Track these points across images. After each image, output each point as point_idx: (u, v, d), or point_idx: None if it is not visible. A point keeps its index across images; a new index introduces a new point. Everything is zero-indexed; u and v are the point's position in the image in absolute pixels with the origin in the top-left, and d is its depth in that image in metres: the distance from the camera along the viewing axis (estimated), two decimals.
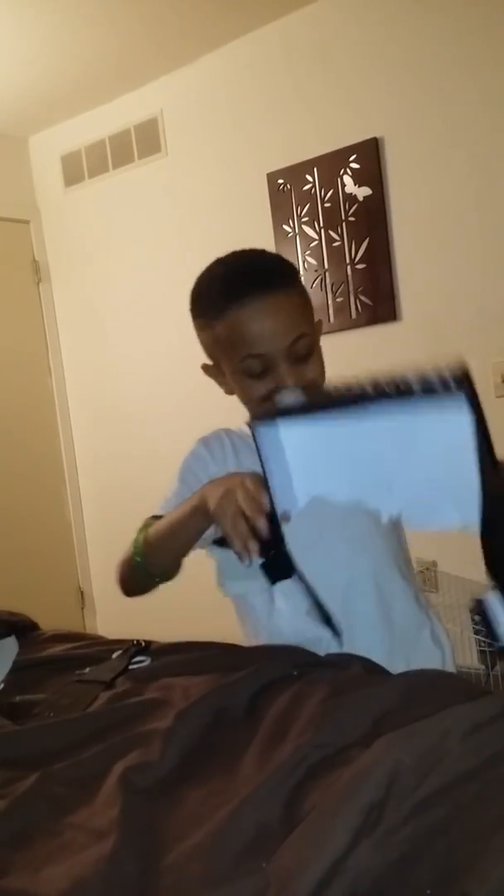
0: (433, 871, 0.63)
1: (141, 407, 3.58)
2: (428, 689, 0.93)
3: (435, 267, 2.77)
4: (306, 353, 1.11)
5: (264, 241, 3.02)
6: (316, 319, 1.20)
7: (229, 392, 1.20)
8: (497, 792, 0.69)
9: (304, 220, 3.02)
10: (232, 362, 1.14)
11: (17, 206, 3.83)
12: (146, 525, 1.19)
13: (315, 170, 2.98)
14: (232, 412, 1.23)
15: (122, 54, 3.13)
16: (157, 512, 1.22)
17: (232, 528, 1.00)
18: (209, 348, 1.18)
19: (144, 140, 3.46)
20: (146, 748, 0.89)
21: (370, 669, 1.07)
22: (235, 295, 1.10)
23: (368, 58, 2.83)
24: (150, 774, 0.84)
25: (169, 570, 1.20)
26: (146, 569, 1.17)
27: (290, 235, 3.05)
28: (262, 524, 0.99)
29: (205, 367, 1.22)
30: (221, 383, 1.21)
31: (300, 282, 1.19)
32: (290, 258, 3.09)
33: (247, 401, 1.17)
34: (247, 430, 1.14)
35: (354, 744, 0.83)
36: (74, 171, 3.71)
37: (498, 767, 0.72)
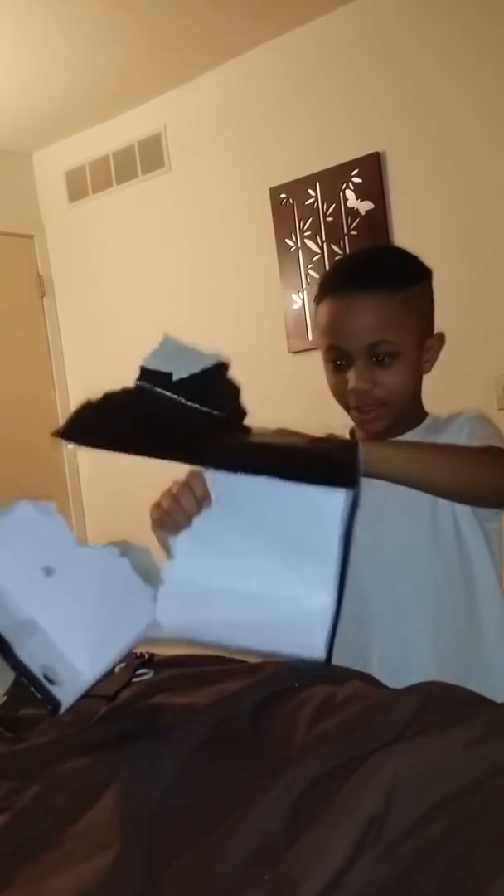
0: (436, 884, 0.62)
1: None
2: (437, 703, 0.92)
3: (436, 281, 2.77)
4: (386, 359, 1.14)
5: (267, 255, 3.04)
6: (435, 332, 1.24)
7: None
8: (501, 803, 0.69)
9: (307, 234, 3.03)
10: (322, 348, 1.19)
11: (22, 221, 3.85)
12: None
13: (317, 184, 3.00)
14: None
15: (125, 71, 3.15)
16: None
17: None
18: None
19: (148, 156, 3.48)
20: (149, 760, 0.89)
21: (371, 684, 1.06)
22: (333, 286, 1.17)
23: (370, 73, 2.85)
24: (152, 786, 0.84)
25: None
26: None
27: (292, 249, 3.06)
28: None
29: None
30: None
31: (417, 289, 1.23)
32: (293, 272, 3.14)
33: (331, 388, 1.20)
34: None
35: (358, 757, 0.82)
36: (78, 186, 3.73)
37: (502, 779, 0.72)
